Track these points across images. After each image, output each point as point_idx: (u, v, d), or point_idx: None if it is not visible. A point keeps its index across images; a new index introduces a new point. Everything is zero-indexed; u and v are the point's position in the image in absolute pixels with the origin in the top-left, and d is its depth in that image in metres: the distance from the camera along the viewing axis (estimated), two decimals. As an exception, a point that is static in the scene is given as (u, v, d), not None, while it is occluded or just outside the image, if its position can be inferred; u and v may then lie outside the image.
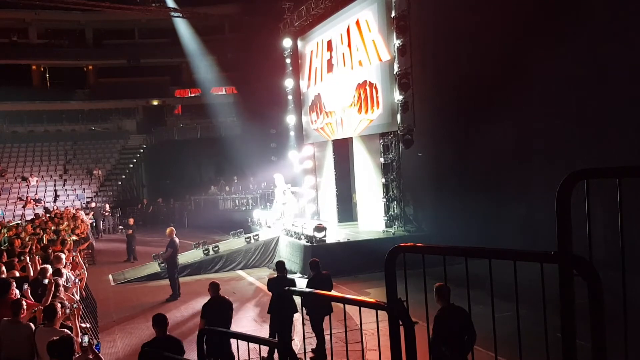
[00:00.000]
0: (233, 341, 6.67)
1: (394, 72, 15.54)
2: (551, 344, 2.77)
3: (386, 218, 16.41)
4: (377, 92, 16.57)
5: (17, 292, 7.48)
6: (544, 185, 11.69)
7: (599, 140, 11.52)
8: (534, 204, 12.92)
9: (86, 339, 5.70)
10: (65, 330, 5.97)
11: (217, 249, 17.02)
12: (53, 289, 7.33)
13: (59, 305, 6.38)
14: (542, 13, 12.66)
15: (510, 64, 13.27)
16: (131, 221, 19.77)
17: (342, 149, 20.16)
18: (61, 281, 7.96)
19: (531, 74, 12.58)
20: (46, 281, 8.05)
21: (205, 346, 4.61)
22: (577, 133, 12.00)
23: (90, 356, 5.59)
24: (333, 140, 20.15)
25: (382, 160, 16.52)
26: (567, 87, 12.08)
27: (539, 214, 11.97)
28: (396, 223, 16.26)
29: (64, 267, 9.58)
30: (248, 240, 17.48)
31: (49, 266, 8.97)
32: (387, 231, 16.24)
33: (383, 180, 16.52)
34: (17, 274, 8.76)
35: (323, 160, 21.45)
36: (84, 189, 31.99)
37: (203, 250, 17.05)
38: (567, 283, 2.49)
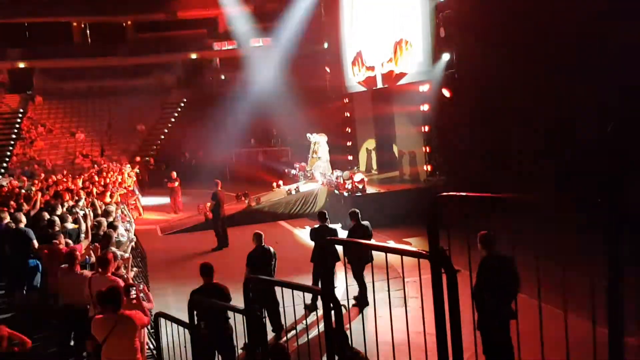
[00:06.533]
0: (277, 289, 6.85)
1: (437, 16, 15.04)
2: (596, 293, 2.74)
3: (427, 167, 16.19)
4: (412, 49, 16.26)
5: (69, 242, 7.90)
6: (587, 137, 11.19)
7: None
8: (577, 151, 12.44)
9: (133, 291, 5.98)
10: (117, 278, 6.28)
11: (259, 200, 17.30)
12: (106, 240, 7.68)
13: (111, 255, 6.71)
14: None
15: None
16: (173, 174, 20.20)
17: (382, 99, 19.76)
18: (115, 234, 8.33)
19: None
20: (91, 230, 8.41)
21: (250, 293, 4.75)
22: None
23: (139, 305, 5.90)
24: (373, 90, 19.81)
25: (423, 108, 16.16)
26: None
27: (581, 162, 11.58)
28: (438, 172, 15.98)
29: (114, 219, 9.97)
30: (289, 191, 17.68)
31: (103, 219, 9.36)
32: (428, 180, 16.07)
33: (425, 129, 16.21)
34: (70, 226, 9.14)
35: (363, 110, 21.22)
36: (129, 143, 32.76)
37: (246, 202, 17.37)
38: (613, 239, 2.44)
